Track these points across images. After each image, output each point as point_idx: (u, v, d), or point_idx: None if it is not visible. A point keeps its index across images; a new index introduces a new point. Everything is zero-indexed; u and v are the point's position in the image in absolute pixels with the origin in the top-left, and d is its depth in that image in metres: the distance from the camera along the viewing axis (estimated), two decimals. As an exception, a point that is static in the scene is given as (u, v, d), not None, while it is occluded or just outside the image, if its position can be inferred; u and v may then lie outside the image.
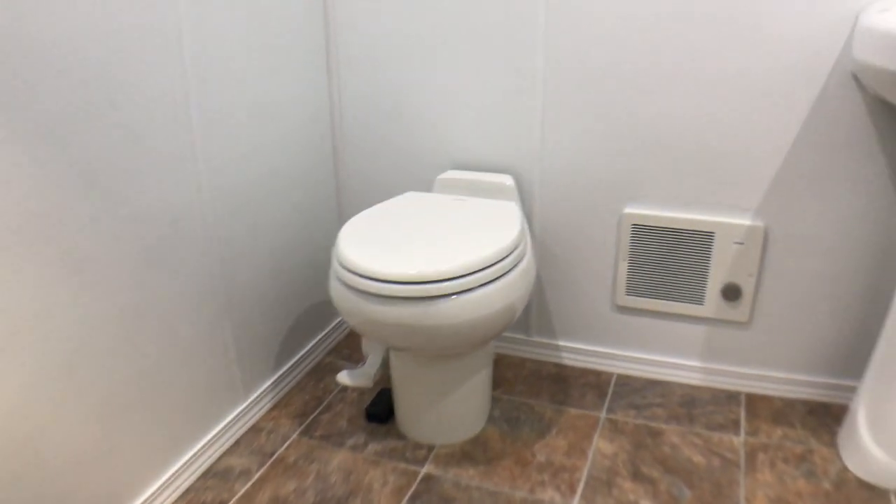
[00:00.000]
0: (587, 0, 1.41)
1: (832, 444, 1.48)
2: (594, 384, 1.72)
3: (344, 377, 1.52)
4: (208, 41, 1.28)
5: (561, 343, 1.78)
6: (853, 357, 1.55)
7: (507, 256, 1.29)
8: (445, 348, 1.33)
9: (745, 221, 1.49)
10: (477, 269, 1.24)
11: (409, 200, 1.54)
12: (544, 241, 1.67)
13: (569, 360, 1.79)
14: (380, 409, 1.60)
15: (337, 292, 1.31)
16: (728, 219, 1.50)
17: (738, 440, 1.50)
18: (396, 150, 1.69)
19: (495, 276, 1.27)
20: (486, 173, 1.61)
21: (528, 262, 1.38)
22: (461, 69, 1.54)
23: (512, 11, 1.46)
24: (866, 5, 1.26)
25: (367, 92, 1.65)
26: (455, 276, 1.22)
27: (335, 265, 1.31)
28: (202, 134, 1.30)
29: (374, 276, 1.21)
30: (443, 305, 1.22)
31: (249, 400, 1.57)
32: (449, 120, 1.60)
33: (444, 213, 1.45)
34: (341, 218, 1.83)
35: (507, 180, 1.57)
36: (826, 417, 1.57)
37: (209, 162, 1.33)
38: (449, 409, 1.47)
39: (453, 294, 1.22)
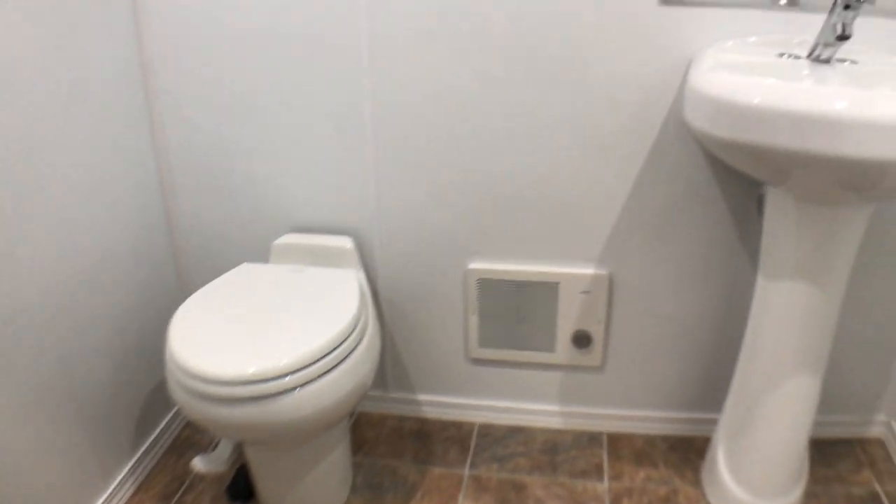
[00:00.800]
0: (410, 62, 1.37)
1: (696, 481, 1.52)
2: (456, 437, 1.70)
3: (198, 463, 1.42)
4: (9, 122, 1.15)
5: (420, 397, 1.75)
6: (711, 391, 1.61)
7: (347, 337, 1.24)
8: (297, 439, 1.27)
9: (589, 270, 1.51)
10: (318, 356, 1.18)
11: (243, 276, 1.46)
12: (392, 299, 1.63)
13: (430, 413, 1.76)
14: (241, 488, 1.51)
15: (174, 392, 1.22)
16: (572, 269, 1.51)
17: (602, 487, 1.52)
18: (231, 215, 1.60)
19: (339, 361, 1.22)
20: (325, 235, 1.55)
21: (370, 338, 1.33)
22: (291, 127, 1.47)
23: (336, 69, 1.40)
24: (698, 53, 1.28)
25: (195, 155, 1.55)
26: (296, 369, 1.15)
27: (169, 365, 1.22)
28: (17, 232, 1.17)
29: (208, 378, 1.13)
30: (286, 400, 1.15)
31: (110, 489, 1.46)
32: (282, 181, 1.53)
33: (281, 290, 1.38)
34: (183, 290, 1.72)
35: (347, 243, 1.52)
36: (689, 452, 1.61)
37: (31, 260, 1.21)
38: (310, 486, 1.40)
39: (296, 388, 1.16)
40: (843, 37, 1.16)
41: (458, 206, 1.49)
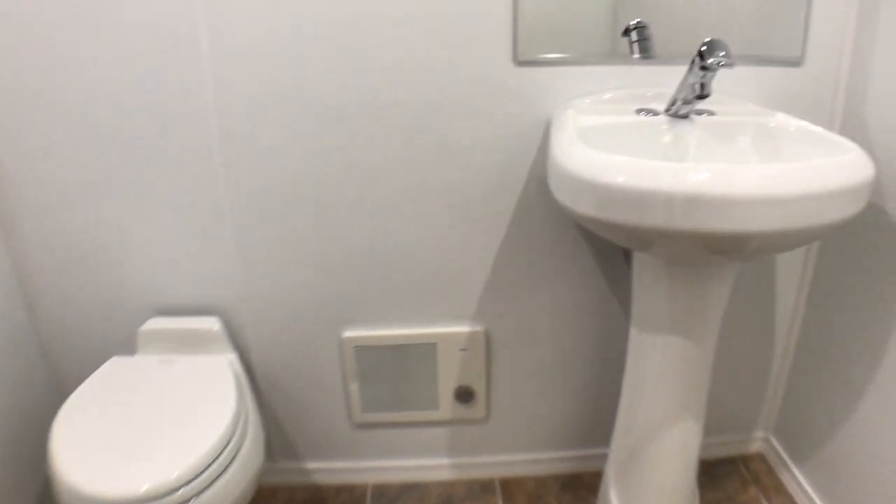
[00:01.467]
0: (264, 133, 1.28)
1: (589, 517, 1.53)
2: (350, 501, 1.64)
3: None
4: None
5: (310, 465, 1.67)
6: (596, 426, 1.63)
7: (232, 437, 1.17)
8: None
9: (465, 328, 1.47)
10: (207, 463, 1.10)
11: (114, 374, 1.33)
12: (269, 374, 1.54)
13: (321, 479, 1.69)
14: None
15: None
16: (449, 328, 1.47)
17: (499, 540, 1.50)
18: (95, 302, 1.45)
19: (228, 461, 1.15)
20: (192, 318, 1.44)
21: (254, 428, 1.28)
22: (148, 205, 1.34)
23: (189, 146, 1.29)
24: (557, 113, 1.25)
25: (48, 240, 1.40)
26: (187, 480, 1.07)
27: (57, 486, 1.10)
28: None
29: (99, 501, 1.03)
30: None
31: None
32: (142, 262, 1.40)
33: (154, 389, 1.27)
34: (60, 387, 1.55)
35: (214, 324, 1.42)
36: (580, 489, 1.62)
37: None
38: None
39: (191, 499, 1.08)
40: (702, 96, 1.16)
41: (327, 276, 1.42)
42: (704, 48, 1.09)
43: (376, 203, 1.34)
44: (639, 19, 1.27)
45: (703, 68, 1.11)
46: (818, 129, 1.16)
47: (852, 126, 1.36)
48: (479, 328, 1.47)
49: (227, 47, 1.20)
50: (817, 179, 0.94)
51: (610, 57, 1.28)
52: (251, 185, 1.32)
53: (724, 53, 1.08)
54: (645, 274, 1.23)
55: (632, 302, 1.30)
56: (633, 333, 1.31)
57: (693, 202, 0.91)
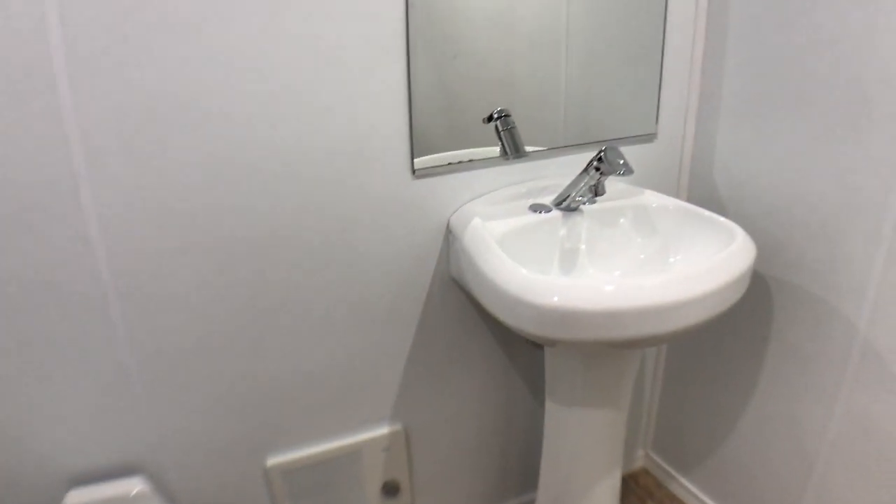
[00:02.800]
0: (161, 284, 1.19)
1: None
2: None
3: None
4: None
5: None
6: (521, 478, 1.72)
7: None
8: None
9: (384, 430, 1.48)
10: None
11: None
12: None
13: None
14: None
15: None
16: (370, 433, 1.47)
17: None
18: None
19: None
20: (114, 482, 1.31)
21: None
22: (43, 370, 1.19)
23: (81, 302, 1.17)
24: (459, 216, 1.31)
25: None
26: None
27: None
28: None
29: None
30: None
31: None
32: (47, 432, 1.26)
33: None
34: None
35: (138, 484, 1.31)
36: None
37: None
38: None
39: None
40: (598, 194, 1.26)
41: (243, 410, 1.36)
42: (603, 155, 1.20)
43: (287, 328, 1.31)
44: (501, 108, 1.34)
45: (601, 172, 1.22)
46: (694, 209, 1.31)
47: (699, 186, 1.55)
48: (398, 426, 1.49)
49: (113, 205, 1.11)
50: (717, 276, 1.08)
51: (494, 159, 1.35)
52: (155, 333, 1.23)
53: (622, 162, 1.18)
54: (559, 362, 1.32)
55: (546, 381, 1.38)
56: (550, 407, 1.40)
57: (614, 316, 1.01)
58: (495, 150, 1.35)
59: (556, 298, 1.02)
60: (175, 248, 1.16)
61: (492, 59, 1.30)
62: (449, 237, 1.34)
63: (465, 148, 1.32)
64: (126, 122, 1.05)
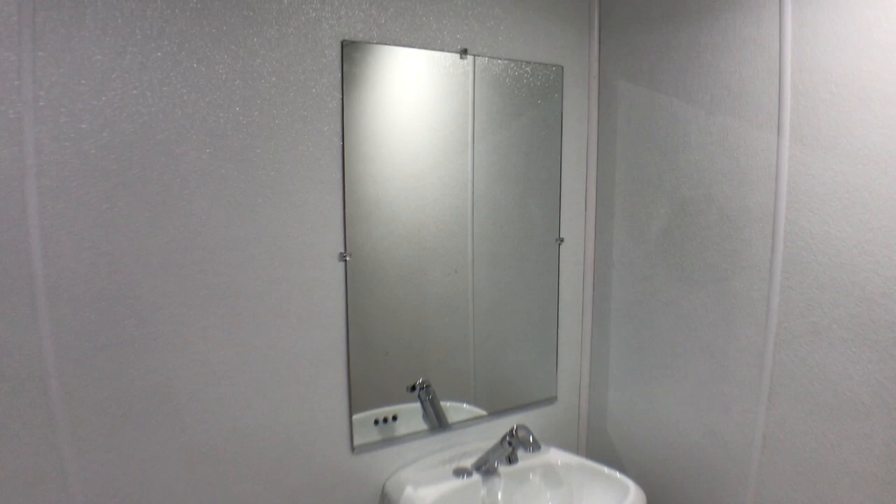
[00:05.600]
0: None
1: None
2: None
3: None
4: None
5: None
6: None
7: None
8: None
9: None
10: None
11: None
12: None
13: None
14: None
15: None
16: None
17: None
18: None
19: None
20: None
21: None
22: None
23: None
24: (395, 485, 1.48)
25: None
26: None
27: None
28: None
29: None
30: None
31: None
32: None
33: None
34: None
35: None
36: None
37: None
38: None
39: None
40: (512, 462, 1.48)
41: None
42: (515, 432, 1.43)
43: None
44: (422, 378, 1.58)
45: (513, 446, 1.45)
46: (593, 465, 1.54)
47: (596, 441, 1.80)
48: None
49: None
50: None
51: (421, 432, 1.57)
52: None
53: (532, 440, 1.42)
54: None
55: None
56: None
57: None
58: (417, 406, 1.57)
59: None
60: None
61: (414, 348, 1.55)
62: (384, 501, 1.51)
63: (394, 404, 1.54)
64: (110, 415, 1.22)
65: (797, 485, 1.36)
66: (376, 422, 1.52)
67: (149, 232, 1.19)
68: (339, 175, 1.37)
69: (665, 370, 1.60)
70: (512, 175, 1.65)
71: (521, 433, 1.42)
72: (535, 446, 1.41)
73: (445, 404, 1.62)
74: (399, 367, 1.55)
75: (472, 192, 1.59)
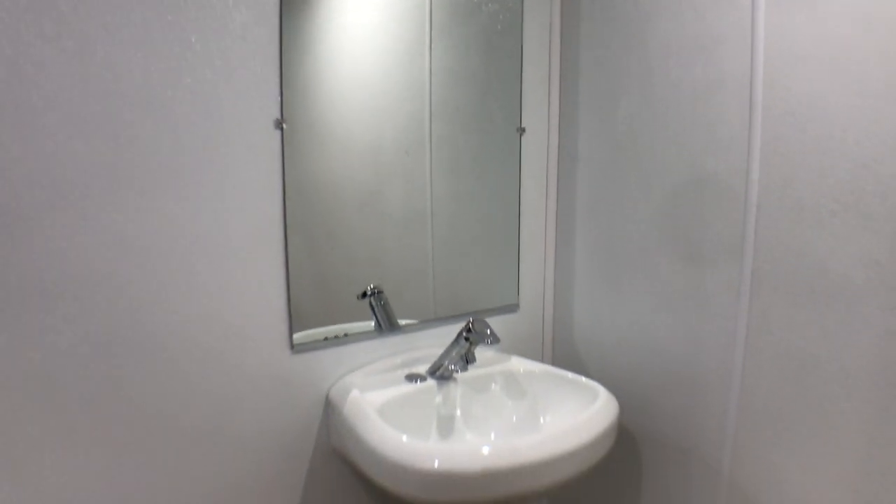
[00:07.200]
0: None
1: None
2: None
3: None
4: None
5: None
6: None
7: None
8: None
9: None
10: None
11: None
12: None
13: None
14: None
15: None
16: None
17: None
18: None
19: None
20: None
21: None
22: None
23: None
24: (340, 389, 1.34)
25: None
26: None
27: None
28: None
29: None
30: None
31: None
32: None
33: None
34: None
35: None
36: None
37: None
38: None
39: None
40: (469, 362, 1.34)
41: None
42: (472, 327, 1.29)
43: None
44: (373, 284, 1.43)
45: (470, 342, 1.31)
46: (559, 371, 1.42)
47: (562, 350, 1.67)
48: None
49: None
50: (584, 433, 1.18)
51: (369, 332, 1.42)
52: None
53: (489, 332, 1.28)
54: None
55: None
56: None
57: (492, 476, 1.07)
58: (370, 325, 1.42)
59: (436, 463, 1.07)
60: (49, 427, 1.13)
61: (364, 240, 1.40)
62: (329, 409, 1.37)
63: (342, 323, 1.39)
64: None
65: (784, 383, 1.24)
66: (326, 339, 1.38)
67: (60, 76, 1.02)
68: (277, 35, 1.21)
69: (635, 271, 1.48)
70: (471, 72, 1.51)
71: (477, 325, 1.29)
72: (494, 338, 1.28)
73: (401, 322, 1.48)
74: (346, 269, 1.39)
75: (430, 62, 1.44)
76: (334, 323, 1.39)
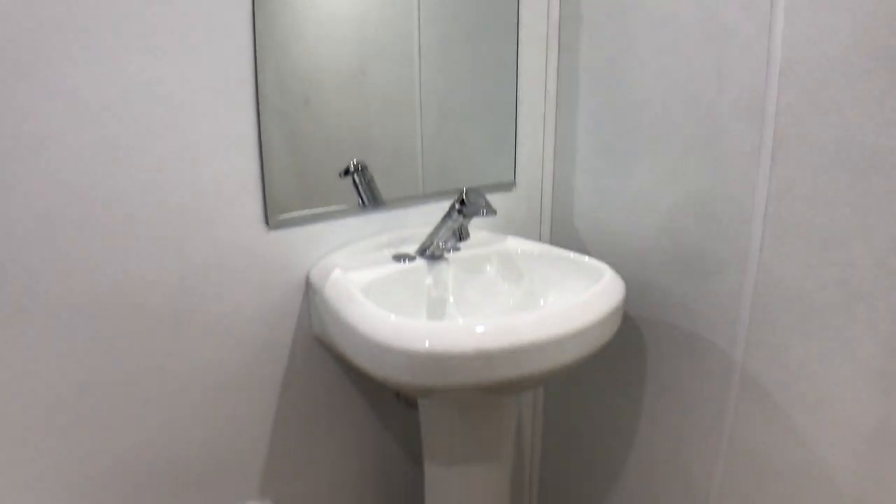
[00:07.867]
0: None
1: None
2: None
3: None
4: None
5: None
6: None
7: None
8: None
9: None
10: None
11: None
12: None
13: None
14: None
15: None
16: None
17: None
18: None
19: None
20: None
21: None
22: None
23: None
24: (320, 269, 1.23)
25: None
26: None
27: None
28: None
29: None
30: None
31: None
32: None
33: None
34: None
35: None
36: None
37: None
38: None
39: None
40: (462, 238, 1.23)
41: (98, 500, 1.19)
42: (465, 197, 1.17)
43: (137, 404, 1.16)
44: (356, 159, 1.30)
45: (464, 215, 1.19)
46: (559, 251, 1.30)
47: (561, 232, 1.56)
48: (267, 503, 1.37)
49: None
50: (588, 312, 1.07)
51: (352, 209, 1.30)
52: None
53: (484, 202, 1.16)
54: (435, 417, 1.26)
55: (423, 442, 1.31)
56: (429, 470, 1.32)
57: (487, 357, 0.97)
58: (354, 201, 1.30)
59: (427, 343, 0.96)
60: (7, 315, 1.02)
61: (346, 113, 1.26)
62: (309, 292, 1.26)
63: (322, 206, 1.26)
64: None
65: (807, 265, 1.12)
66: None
67: None
68: None
69: (643, 141, 1.34)
70: None
71: (472, 196, 1.17)
72: (489, 209, 1.16)
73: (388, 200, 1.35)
74: (326, 136, 1.25)
75: None
76: (316, 206, 1.26)
